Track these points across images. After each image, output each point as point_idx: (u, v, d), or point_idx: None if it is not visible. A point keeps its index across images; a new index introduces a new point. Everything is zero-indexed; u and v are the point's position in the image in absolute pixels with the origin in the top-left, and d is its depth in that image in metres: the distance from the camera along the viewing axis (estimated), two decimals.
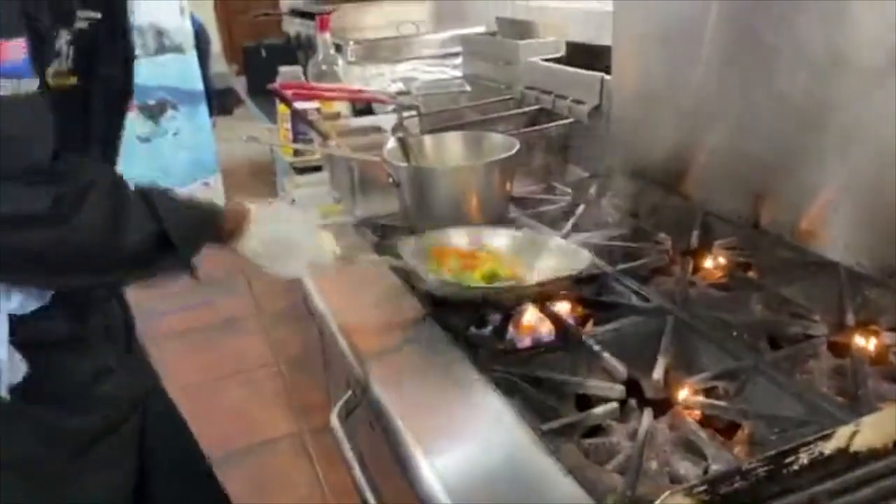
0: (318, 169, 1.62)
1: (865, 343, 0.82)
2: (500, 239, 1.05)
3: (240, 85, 2.92)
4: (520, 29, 1.90)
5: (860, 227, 0.97)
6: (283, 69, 1.78)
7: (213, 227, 0.84)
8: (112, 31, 0.84)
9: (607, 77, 1.40)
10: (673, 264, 1.07)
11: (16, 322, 0.77)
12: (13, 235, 0.67)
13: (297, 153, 1.68)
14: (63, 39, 0.73)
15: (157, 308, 2.63)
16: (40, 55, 0.69)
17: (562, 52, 1.67)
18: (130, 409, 0.94)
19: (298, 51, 2.44)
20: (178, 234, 0.77)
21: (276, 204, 0.96)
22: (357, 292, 1.03)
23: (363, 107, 1.92)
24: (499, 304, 0.94)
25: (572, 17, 1.87)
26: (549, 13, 1.97)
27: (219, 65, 5.08)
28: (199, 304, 2.78)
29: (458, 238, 1.04)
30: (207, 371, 2.40)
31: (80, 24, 0.76)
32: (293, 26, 2.74)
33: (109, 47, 0.83)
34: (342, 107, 1.80)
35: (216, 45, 5.44)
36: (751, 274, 1.03)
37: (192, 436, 1.11)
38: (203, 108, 3.49)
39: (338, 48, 2.05)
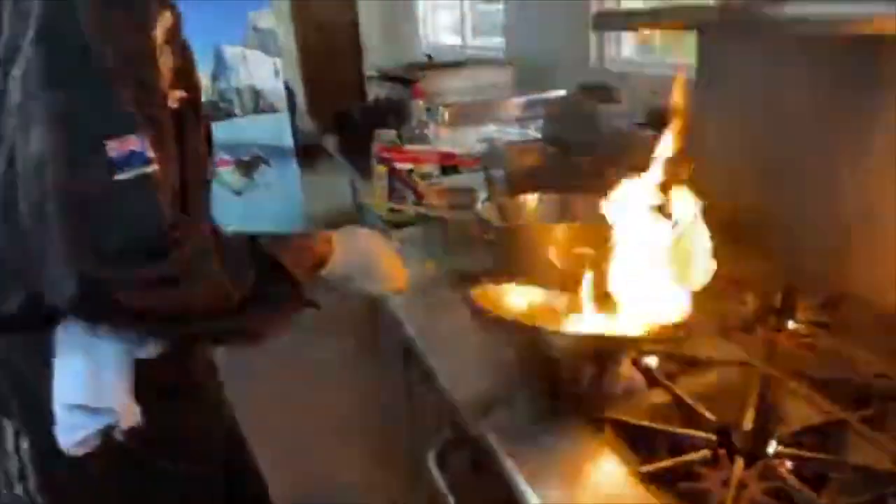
0: (409, 224, 1.73)
1: None
2: None
3: (329, 142, 3.11)
4: (603, 94, 2.00)
5: None
6: (380, 132, 1.93)
7: (311, 253, 0.94)
8: (195, 105, 0.94)
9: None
10: (758, 322, 1.12)
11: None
12: (150, 296, 0.76)
13: (391, 209, 1.81)
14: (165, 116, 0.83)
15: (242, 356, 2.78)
16: (160, 138, 0.78)
17: (644, 118, 1.75)
18: (222, 457, 1.03)
19: (388, 113, 2.61)
20: (289, 262, 0.88)
21: (355, 229, 1.05)
22: (454, 336, 1.13)
23: (450, 166, 2.05)
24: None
25: (650, 83, 1.96)
26: (629, 79, 2.07)
27: (304, 122, 5.40)
28: (281, 352, 2.92)
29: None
30: (285, 421, 2.50)
31: (172, 105, 0.86)
32: (382, 89, 2.93)
33: (194, 120, 0.94)
34: (431, 166, 1.93)
35: (301, 104, 5.78)
36: (835, 333, 1.07)
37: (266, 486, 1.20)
38: (292, 163, 3.72)
39: (427, 111, 2.19)
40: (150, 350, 0.87)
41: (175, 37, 0.85)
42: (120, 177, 0.72)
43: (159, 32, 0.80)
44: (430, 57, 3.05)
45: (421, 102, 2.02)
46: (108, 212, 0.73)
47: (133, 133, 0.73)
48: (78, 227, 0.71)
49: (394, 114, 2.65)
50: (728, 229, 1.39)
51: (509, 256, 1.23)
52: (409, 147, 1.88)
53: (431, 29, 4.24)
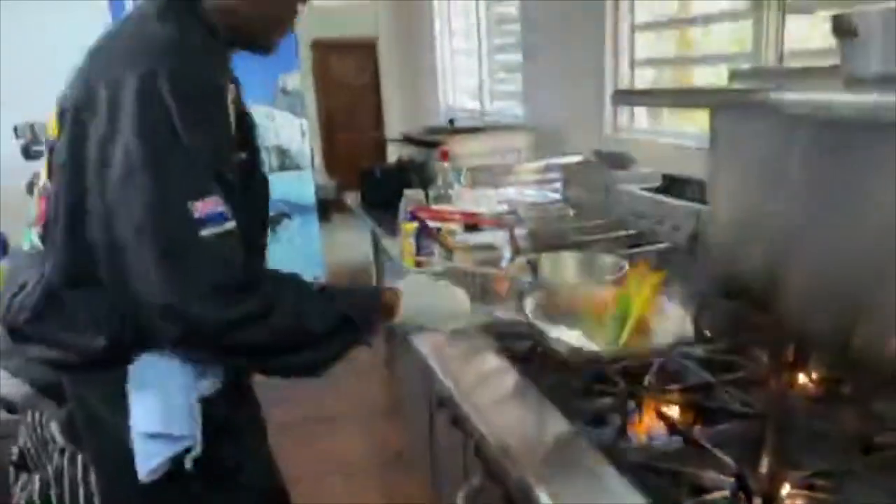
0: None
1: None
2: None
3: (350, 198, 3.24)
4: (616, 160, 2.12)
5: None
6: (408, 192, 2.05)
7: (379, 306, 1.05)
8: (254, 164, 1.08)
9: (704, 207, 1.58)
10: (770, 377, 1.20)
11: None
12: (237, 335, 0.89)
13: (418, 264, 1.91)
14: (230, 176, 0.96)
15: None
16: (230, 199, 0.91)
17: (658, 183, 1.87)
18: (267, 486, 1.13)
19: (411, 173, 2.74)
20: (357, 316, 0.99)
21: (417, 276, 1.19)
22: (486, 382, 1.21)
23: (472, 224, 2.17)
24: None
25: (663, 151, 2.09)
26: (640, 146, 2.20)
27: (320, 177, 5.57)
28: (301, 397, 2.99)
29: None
30: (308, 466, 2.56)
31: (238, 161, 0.99)
32: (405, 150, 3.08)
33: (254, 178, 1.08)
34: (456, 224, 2.04)
35: (317, 160, 5.98)
36: (843, 388, 1.15)
37: None
38: (314, 218, 3.86)
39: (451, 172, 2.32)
40: (209, 386, 0.98)
41: (237, 106, 0.98)
42: (204, 233, 0.85)
43: (230, 103, 0.93)
44: (452, 122, 3.21)
45: (447, 165, 2.15)
46: (198, 262, 0.85)
47: (213, 194, 0.87)
48: (175, 277, 0.84)
49: (416, 174, 2.79)
50: (742, 289, 1.48)
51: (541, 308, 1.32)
52: (436, 206, 2.00)
53: (452, 93, 4.44)
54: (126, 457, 0.94)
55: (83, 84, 0.91)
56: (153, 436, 0.93)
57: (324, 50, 6.20)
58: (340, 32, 5.99)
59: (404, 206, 2.01)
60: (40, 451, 1.03)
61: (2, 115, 3.66)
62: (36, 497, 1.01)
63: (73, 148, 0.90)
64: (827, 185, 1.27)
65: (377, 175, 2.96)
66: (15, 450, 1.07)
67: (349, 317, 0.97)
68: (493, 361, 1.26)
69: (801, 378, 1.19)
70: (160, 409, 0.93)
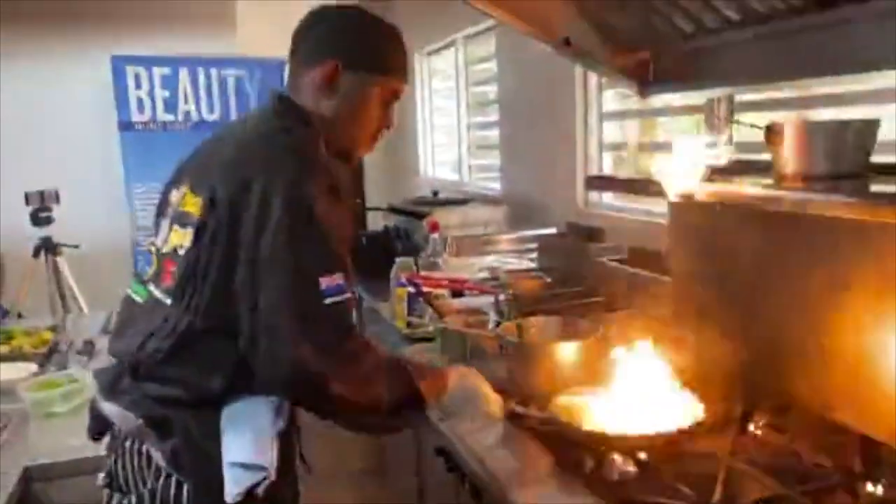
0: (427, 339, 2.01)
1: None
2: None
3: None
4: (587, 233, 2.36)
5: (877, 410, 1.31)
6: (400, 260, 2.24)
7: (438, 382, 1.26)
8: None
9: (666, 278, 1.80)
10: (726, 425, 1.39)
11: None
12: (339, 387, 1.10)
13: (409, 325, 2.09)
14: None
15: None
16: (349, 276, 1.15)
17: (625, 255, 2.10)
18: None
19: (396, 241, 2.94)
20: (425, 393, 1.21)
21: (462, 369, 1.37)
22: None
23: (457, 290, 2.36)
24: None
25: (630, 225, 2.33)
26: (608, 221, 2.45)
27: None
28: None
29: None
30: None
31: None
32: (388, 220, 3.29)
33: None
34: (443, 290, 2.24)
35: None
36: (784, 434, 1.35)
37: None
38: None
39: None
40: (282, 425, 1.18)
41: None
42: (328, 301, 1.08)
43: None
44: (436, 193, 3.44)
45: (436, 236, 2.36)
46: (319, 325, 1.09)
47: (337, 272, 1.10)
48: (306, 335, 1.08)
49: (401, 242, 2.99)
50: (700, 350, 1.69)
51: (524, 367, 1.51)
52: (425, 273, 2.19)
53: (432, 166, 4.70)
54: (219, 481, 1.11)
55: (238, 180, 1.13)
56: (243, 465, 1.11)
57: None
58: None
59: (396, 273, 2.21)
60: (136, 475, 1.19)
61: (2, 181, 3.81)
62: None
63: (229, 230, 1.11)
64: (764, 266, 1.50)
65: (363, 243, 3.15)
66: (102, 474, 1.24)
67: (419, 390, 1.20)
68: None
69: (751, 426, 1.38)
70: (251, 442, 1.12)
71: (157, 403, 1.16)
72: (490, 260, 2.64)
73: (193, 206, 1.18)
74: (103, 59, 3.91)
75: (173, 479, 1.15)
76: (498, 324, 1.78)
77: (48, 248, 3.59)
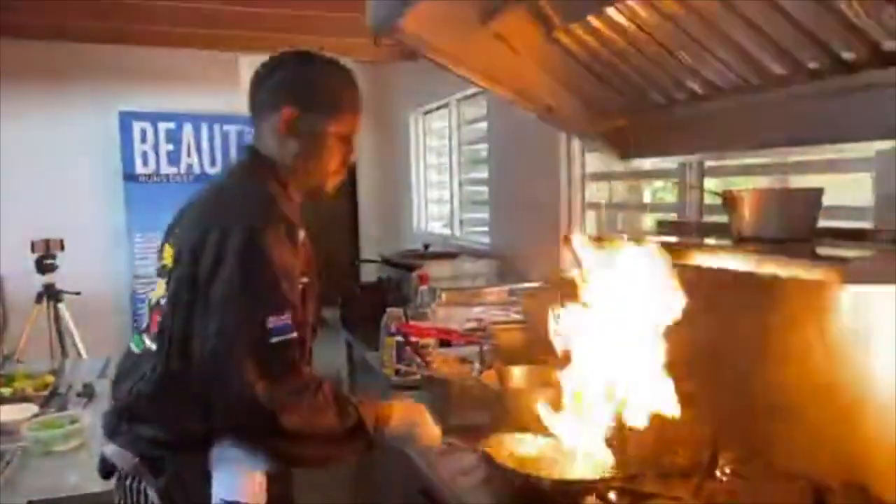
0: (416, 387, 2.09)
1: None
2: None
3: (328, 314, 3.52)
4: (568, 287, 2.47)
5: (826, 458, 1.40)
6: (390, 311, 2.35)
7: (381, 414, 1.34)
8: (312, 289, 1.40)
9: None
10: (692, 471, 1.48)
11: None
12: (288, 418, 1.18)
13: (398, 373, 2.18)
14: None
15: None
16: (295, 316, 1.23)
17: None
18: None
19: (388, 292, 3.06)
20: (368, 422, 1.28)
21: (406, 402, 1.48)
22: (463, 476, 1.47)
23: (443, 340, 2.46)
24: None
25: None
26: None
27: None
28: None
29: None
30: None
31: (300, 285, 1.31)
32: (382, 272, 3.40)
33: (311, 298, 1.38)
34: (432, 339, 2.34)
35: None
36: (746, 480, 1.44)
37: None
38: None
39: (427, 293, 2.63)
40: (269, 468, 1.26)
41: (304, 246, 1.32)
42: (274, 340, 1.17)
43: (299, 245, 1.27)
44: (427, 247, 3.57)
45: (426, 288, 2.47)
46: (267, 361, 1.16)
47: (284, 313, 1.18)
48: (250, 372, 1.15)
49: (392, 293, 3.10)
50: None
51: (506, 412, 1.60)
52: (414, 323, 2.29)
53: (425, 220, 4.84)
54: None
55: (200, 229, 1.24)
56: (230, 502, 1.20)
57: None
58: None
59: (386, 322, 2.31)
60: None
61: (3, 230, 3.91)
62: None
63: (191, 276, 1.21)
64: (732, 316, 1.62)
65: (356, 293, 3.26)
66: None
67: (363, 422, 1.28)
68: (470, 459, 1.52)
69: (717, 473, 1.47)
70: (238, 481, 1.22)
71: (149, 444, 1.26)
72: (477, 311, 2.74)
73: (169, 257, 1.30)
74: (111, 112, 4.08)
75: None
76: (481, 372, 1.88)
77: (51, 294, 3.67)
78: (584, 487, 1.37)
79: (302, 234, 1.31)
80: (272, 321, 1.17)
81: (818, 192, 1.37)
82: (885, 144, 1.35)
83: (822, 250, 1.31)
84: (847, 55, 1.29)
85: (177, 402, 1.23)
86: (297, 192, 1.38)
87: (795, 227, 1.35)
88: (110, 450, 1.31)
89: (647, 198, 2.65)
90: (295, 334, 1.20)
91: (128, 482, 1.30)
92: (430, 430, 1.43)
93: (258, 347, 1.16)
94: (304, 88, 1.35)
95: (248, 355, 1.15)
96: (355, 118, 1.40)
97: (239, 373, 1.14)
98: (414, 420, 1.41)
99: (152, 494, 1.25)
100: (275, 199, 1.29)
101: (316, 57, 1.40)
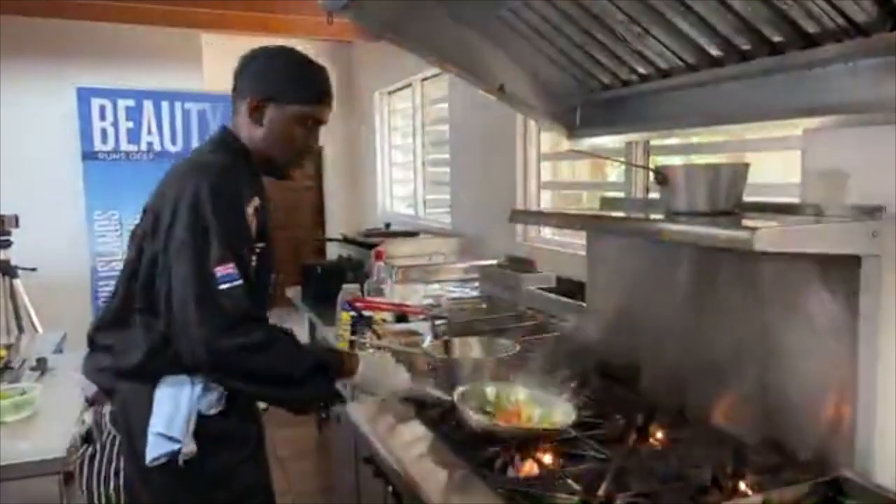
0: None
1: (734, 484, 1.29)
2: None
3: (291, 292, 3.54)
4: (523, 264, 2.53)
5: (747, 417, 1.48)
6: (346, 286, 2.38)
7: (345, 364, 1.45)
8: (269, 251, 1.49)
9: (585, 304, 1.98)
10: (625, 435, 1.55)
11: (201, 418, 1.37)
12: (243, 360, 1.31)
13: (352, 345, 2.22)
14: (253, 256, 1.40)
15: None
16: (242, 267, 1.34)
17: (553, 284, 2.27)
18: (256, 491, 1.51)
19: (348, 269, 3.08)
20: (331, 366, 1.40)
21: (373, 352, 1.59)
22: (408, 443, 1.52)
23: (400, 314, 2.50)
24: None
25: (560, 257, 2.51)
26: (544, 253, 2.63)
27: None
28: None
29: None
30: None
31: (258, 249, 1.43)
32: (344, 249, 3.43)
33: (268, 259, 1.49)
34: (387, 314, 2.38)
35: None
36: (677, 443, 1.51)
37: None
38: None
39: (385, 270, 2.67)
40: (208, 406, 1.37)
41: (258, 212, 1.41)
42: (222, 287, 1.29)
43: (250, 210, 1.38)
44: (388, 226, 3.60)
45: (382, 264, 2.50)
46: (218, 305, 1.29)
47: (230, 263, 1.30)
48: (204, 317, 1.28)
49: (353, 271, 3.13)
50: (612, 372, 1.85)
51: (448, 380, 1.65)
52: (369, 298, 2.33)
53: (389, 200, 4.87)
54: (143, 445, 1.34)
55: (160, 195, 1.40)
56: (159, 434, 1.32)
57: None
58: None
59: (342, 298, 2.34)
60: (96, 430, 1.44)
61: None
62: (86, 461, 1.43)
63: (153, 231, 1.37)
64: (666, 289, 1.69)
65: (318, 271, 3.28)
66: (84, 428, 1.49)
67: (324, 365, 1.40)
68: (414, 427, 1.57)
69: (645, 434, 1.54)
70: (167, 416, 1.33)
71: (104, 374, 1.41)
72: (435, 288, 2.79)
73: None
74: (69, 89, 4.02)
75: (118, 439, 1.39)
76: (430, 343, 1.93)
77: (5, 270, 3.64)
78: (519, 440, 1.43)
79: (257, 201, 1.41)
80: (220, 270, 1.29)
81: (744, 167, 1.44)
82: (811, 122, 1.42)
83: (747, 222, 1.38)
84: (777, 38, 1.36)
85: (126, 333, 1.37)
86: (259, 170, 1.51)
87: (723, 200, 1.41)
88: (81, 379, 1.46)
89: (613, 178, 2.71)
90: (241, 281, 1.31)
91: (94, 406, 1.45)
92: (398, 376, 1.55)
93: (208, 294, 1.28)
94: (272, 79, 1.48)
95: (199, 302, 1.28)
96: (320, 110, 1.51)
97: (195, 318, 1.27)
98: (382, 369, 1.52)
99: (106, 417, 1.40)
100: (230, 168, 1.41)
101: (288, 51, 1.52)
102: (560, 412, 1.52)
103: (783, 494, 1.23)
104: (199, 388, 1.37)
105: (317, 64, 1.53)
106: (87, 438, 1.46)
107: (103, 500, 1.40)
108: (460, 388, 1.53)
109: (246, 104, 1.47)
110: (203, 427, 1.37)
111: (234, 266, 1.31)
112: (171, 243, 1.33)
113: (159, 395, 1.35)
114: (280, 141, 1.49)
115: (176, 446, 1.33)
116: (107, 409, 1.41)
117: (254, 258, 1.41)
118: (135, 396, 1.37)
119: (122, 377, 1.39)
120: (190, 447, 1.34)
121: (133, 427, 1.37)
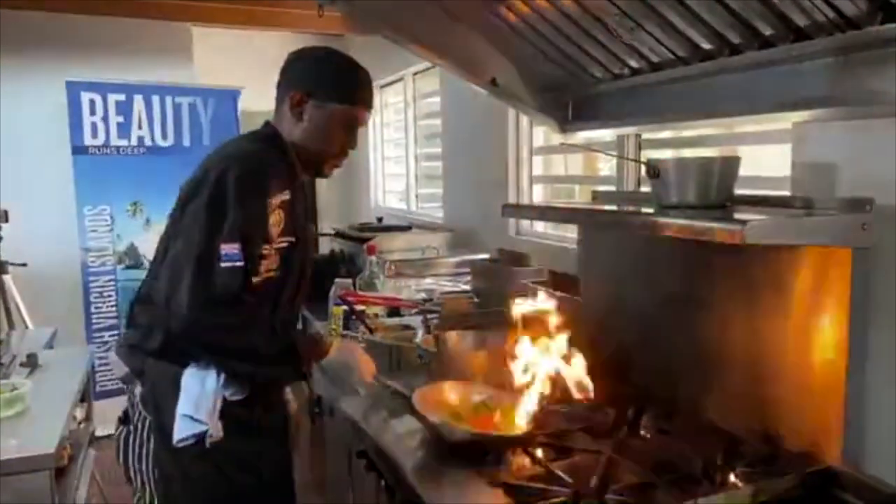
0: None
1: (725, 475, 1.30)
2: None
3: None
4: (515, 258, 2.53)
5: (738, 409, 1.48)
6: (339, 280, 2.37)
7: (316, 347, 1.49)
8: (304, 250, 1.53)
9: (577, 298, 1.98)
10: (616, 428, 1.55)
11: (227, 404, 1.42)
12: (221, 337, 1.37)
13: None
14: (272, 250, 1.41)
15: None
16: (247, 251, 1.36)
17: (545, 278, 2.27)
18: (279, 478, 1.56)
19: (341, 264, 3.07)
20: (301, 348, 1.45)
21: (344, 340, 1.67)
22: (400, 437, 1.52)
23: (393, 309, 2.50)
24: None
25: (552, 251, 2.52)
26: (536, 247, 2.63)
27: None
28: None
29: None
30: None
31: (280, 245, 1.44)
32: (336, 244, 3.42)
33: (299, 255, 1.51)
34: (380, 308, 2.38)
35: None
36: (668, 436, 1.51)
37: None
38: None
39: (377, 264, 2.67)
40: (233, 394, 1.42)
41: (286, 207, 1.43)
42: (223, 264, 1.33)
43: (276, 202, 1.41)
44: (380, 220, 3.59)
45: (374, 258, 2.50)
46: (210, 282, 1.32)
47: (236, 244, 1.34)
48: (194, 287, 1.32)
49: (346, 265, 3.12)
50: (604, 365, 1.86)
51: (439, 374, 1.66)
52: (362, 292, 2.33)
53: (382, 195, 4.86)
54: (172, 426, 1.38)
55: (193, 174, 1.46)
56: (186, 416, 1.37)
57: None
58: None
59: (334, 292, 2.33)
60: (131, 410, 1.51)
61: None
62: (122, 441, 1.50)
63: (181, 208, 1.43)
64: (658, 282, 1.69)
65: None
66: (122, 410, 1.55)
67: (294, 347, 1.44)
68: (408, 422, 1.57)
69: (641, 430, 1.55)
70: (195, 399, 1.37)
71: (134, 352, 1.46)
72: (428, 282, 2.79)
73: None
74: (59, 82, 3.98)
75: (148, 420, 1.45)
76: (422, 338, 1.93)
77: None
78: (508, 440, 1.43)
79: (286, 195, 1.43)
80: (225, 248, 1.33)
81: (735, 161, 1.44)
82: (802, 115, 1.43)
83: (738, 215, 1.38)
84: (768, 31, 1.36)
85: (153, 311, 1.42)
86: (299, 167, 1.54)
87: (714, 193, 1.41)
88: (114, 359, 1.51)
89: (605, 172, 2.71)
90: (242, 264, 1.34)
91: (128, 387, 1.51)
92: (365, 365, 1.56)
93: (207, 266, 1.32)
94: (315, 77, 1.53)
95: (196, 271, 1.32)
96: (360, 112, 1.56)
97: (190, 285, 1.31)
98: (351, 355, 1.55)
99: (137, 397, 1.47)
100: (262, 158, 1.45)
101: (333, 52, 1.59)
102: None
103: (774, 485, 1.24)
104: (224, 374, 1.41)
105: (360, 67, 1.57)
106: (125, 419, 1.53)
107: (141, 477, 1.48)
108: (417, 391, 1.52)
109: (288, 99, 1.52)
110: (229, 412, 1.41)
111: (240, 249, 1.34)
112: (186, 214, 1.39)
113: (187, 379, 1.39)
114: (318, 138, 1.53)
115: (203, 428, 1.37)
116: (138, 390, 1.47)
117: (274, 252, 1.42)
118: (162, 378, 1.42)
119: (150, 355, 1.44)
120: (217, 430, 1.38)
121: (162, 409, 1.42)
